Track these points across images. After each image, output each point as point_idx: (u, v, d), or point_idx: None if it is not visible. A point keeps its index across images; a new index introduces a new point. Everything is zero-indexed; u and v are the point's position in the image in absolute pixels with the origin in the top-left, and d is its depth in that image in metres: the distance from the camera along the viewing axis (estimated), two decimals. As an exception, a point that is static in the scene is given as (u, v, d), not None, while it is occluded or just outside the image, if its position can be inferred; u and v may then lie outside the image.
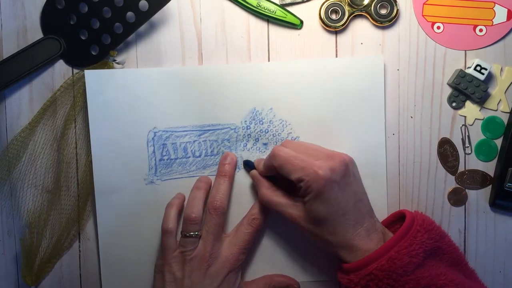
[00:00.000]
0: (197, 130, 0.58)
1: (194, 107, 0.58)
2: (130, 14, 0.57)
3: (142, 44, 0.59)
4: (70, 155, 0.59)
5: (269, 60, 0.59)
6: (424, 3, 0.58)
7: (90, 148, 0.58)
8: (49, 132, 0.59)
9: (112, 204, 0.58)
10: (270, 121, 0.58)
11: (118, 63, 0.58)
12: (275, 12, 0.58)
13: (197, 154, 0.58)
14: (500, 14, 0.58)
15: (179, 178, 0.59)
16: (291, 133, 0.58)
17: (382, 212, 0.58)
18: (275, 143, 0.58)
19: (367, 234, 0.51)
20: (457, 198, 0.60)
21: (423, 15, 0.59)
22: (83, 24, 0.57)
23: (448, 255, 0.52)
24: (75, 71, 0.59)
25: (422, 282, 0.49)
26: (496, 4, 0.58)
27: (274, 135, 0.58)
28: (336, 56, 0.59)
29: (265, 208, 0.56)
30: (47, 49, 0.58)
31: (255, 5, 0.58)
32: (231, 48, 0.59)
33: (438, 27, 0.59)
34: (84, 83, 0.57)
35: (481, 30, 0.59)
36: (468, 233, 0.60)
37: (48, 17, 0.58)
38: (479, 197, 0.60)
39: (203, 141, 0.58)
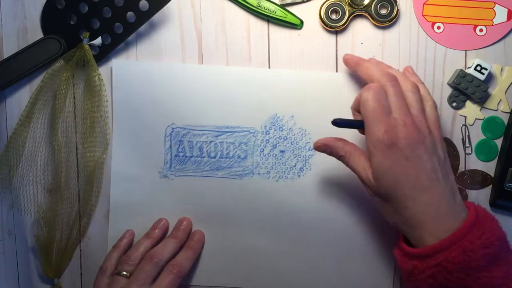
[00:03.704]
0: (215, 131, 0.58)
1: (214, 107, 0.58)
2: (130, 14, 0.57)
3: (142, 44, 0.59)
4: (69, 148, 0.59)
5: (269, 60, 0.59)
6: (424, 3, 0.58)
7: (89, 139, 0.58)
8: (42, 127, 0.59)
9: (126, 192, 0.58)
10: (290, 128, 0.58)
11: (93, 44, 0.57)
12: (275, 12, 0.58)
13: (212, 154, 0.58)
14: (500, 14, 0.58)
15: (192, 176, 0.59)
16: (309, 142, 0.58)
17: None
18: (292, 151, 0.58)
19: (442, 218, 0.47)
20: (457, 198, 0.60)
21: (423, 15, 0.59)
22: (83, 24, 0.57)
23: (510, 247, 0.48)
24: (78, 72, 0.58)
25: (495, 282, 0.45)
26: (496, 4, 0.58)
27: (293, 143, 0.58)
28: (337, 57, 0.59)
29: (191, 257, 0.57)
30: (47, 49, 0.58)
31: (255, 5, 0.58)
32: (231, 48, 0.59)
33: (438, 27, 0.59)
34: (68, 77, 0.57)
35: (481, 30, 0.59)
36: (468, 233, 0.60)
37: (48, 17, 0.58)
38: (479, 197, 0.60)
39: (219, 142, 0.58)
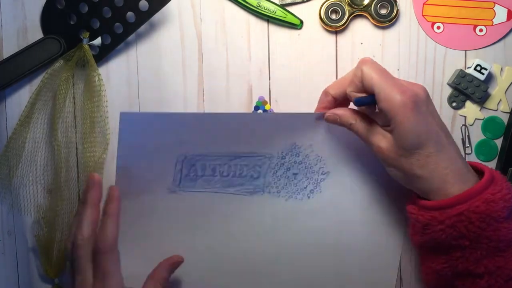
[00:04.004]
0: (230, 156, 0.57)
1: (231, 141, 0.56)
2: (130, 14, 0.57)
3: (142, 44, 0.59)
4: (69, 148, 0.59)
5: (269, 60, 0.59)
6: (424, 3, 0.59)
7: (89, 139, 0.58)
8: (42, 128, 0.59)
9: (131, 207, 0.56)
10: (307, 155, 0.58)
11: (93, 44, 0.57)
12: (275, 12, 0.58)
13: (225, 174, 0.58)
14: (500, 14, 0.58)
15: (202, 191, 0.58)
16: (323, 167, 0.58)
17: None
18: (305, 174, 0.58)
19: (464, 170, 0.49)
20: (457, 198, 0.60)
21: (423, 15, 0.59)
22: (83, 24, 0.57)
23: None
24: (77, 72, 0.59)
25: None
26: (496, 4, 0.58)
27: (307, 167, 0.58)
28: (337, 57, 0.59)
29: (170, 269, 0.56)
30: (47, 49, 0.58)
31: (255, 5, 0.58)
32: (231, 48, 0.59)
33: (438, 27, 0.59)
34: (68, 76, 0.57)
35: (481, 30, 0.59)
36: (468, 233, 0.60)
37: (48, 17, 0.58)
38: (479, 197, 0.60)
39: (233, 164, 0.58)
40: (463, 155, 0.59)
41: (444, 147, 0.49)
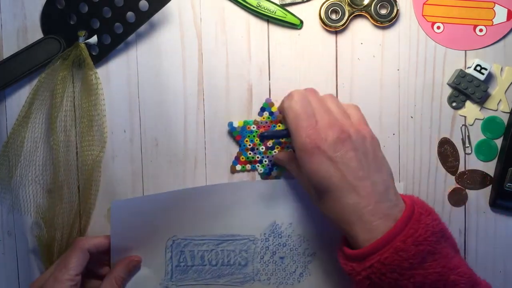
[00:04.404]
0: (216, 239, 0.59)
1: (214, 220, 0.58)
2: (130, 14, 0.57)
3: (142, 44, 0.59)
4: (68, 147, 0.59)
5: (269, 60, 0.59)
6: (424, 3, 0.59)
7: (86, 138, 0.58)
8: (40, 127, 0.59)
9: None
10: (289, 235, 0.59)
11: (89, 43, 0.57)
12: (275, 12, 0.58)
13: (213, 262, 0.59)
14: (500, 14, 0.58)
15: (193, 284, 0.59)
16: (308, 249, 0.59)
17: None
18: (291, 258, 0.59)
19: (372, 218, 0.46)
20: (457, 198, 0.60)
21: (423, 15, 0.59)
22: (83, 24, 0.57)
23: (450, 240, 0.48)
24: (74, 70, 0.59)
25: (430, 278, 0.44)
26: (496, 4, 0.58)
27: (292, 249, 0.59)
28: (336, 57, 0.59)
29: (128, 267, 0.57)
30: (47, 49, 0.58)
31: (255, 5, 0.58)
32: (231, 48, 0.59)
33: (438, 27, 0.59)
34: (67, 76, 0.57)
35: (481, 30, 0.59)
36: (468, 233, 0.60)
37: (48, 17, 0.58)
38: (479, 197, 0.60)
39: (220, 250, 0.59)
40: (464, 155, 0.59)
41: (351, 192, 0.47)
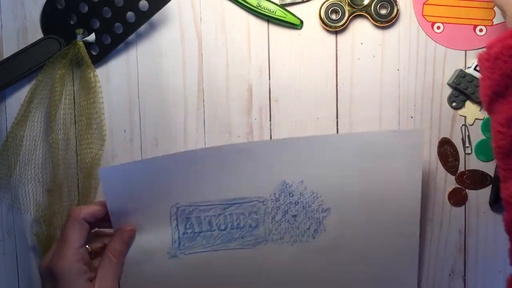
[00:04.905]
0: (223, 204, 0.56)
1: (219, 183, 0.55)
2: (130, 14, 0.57)
3: (142, 44, 0.59)
4: (67, 145, 0.59)
5: (269, 60, 0.59)
6: (424, 3, 0.59)
7: (85, 136, 0.58)
8: (39, 126, 0.59)
9: (134, 277, 0.56)
10: (301, 193, 0.56)
11: (87, 40, 0.57)
12: (275, 12, 0.58)
13: (222, 227, 0.56)
14: (500, 14, 0.58)
15: (203, 251, 0.57)
16: (321, 204, 0.56)
17: None
18: (305, 214, 0.57)
19: None
20: (457, 198, 0.60)
21: (423, 15, 0.59)
22: (83, 24, 0.57)
23: None
24: (73, 69, 0.59)
25: None
26: (496, 4, 0.58)
27: (304, 206, 0.57)
28: (337, 57, 0.59)
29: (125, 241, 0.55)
30: (47, 49, 0.58)
31: (255, 5, 0.58)
32: (231, 48, 0.59)
33: (438, 27, 0.59)
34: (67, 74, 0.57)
35: (481, 30, 0.59)
36: (468, 233, 0.60)
37: (48, 17, 0.58)
38: (479, 197, 0.60)
39: (228, 214, 0.56)
40: (464, 155, 0.60)
41: None
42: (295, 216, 0.57)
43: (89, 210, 0.54)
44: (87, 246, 0.55)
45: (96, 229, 0.57)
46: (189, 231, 0.56)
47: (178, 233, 0.56)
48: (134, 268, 0.56)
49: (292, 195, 0.56)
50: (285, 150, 0.55)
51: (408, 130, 0.58)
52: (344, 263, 0.58)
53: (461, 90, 0.58)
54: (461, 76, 0.58)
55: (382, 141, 0.55)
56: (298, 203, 0.57)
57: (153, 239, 0.56)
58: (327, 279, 0.58)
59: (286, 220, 0.57)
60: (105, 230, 0.57)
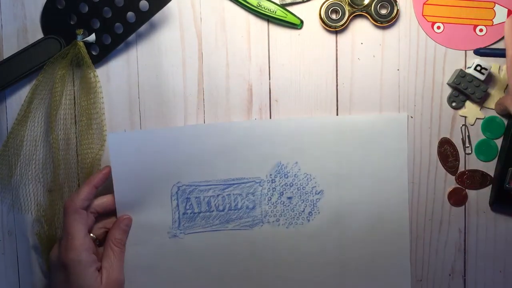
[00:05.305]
0: (221, 184, 0.58)
1: (218, 162, 0.58)
2: (130, 14, 0.57)
3: (142, 44, 0.59)
4: (68, 145, 0.59)
5: (269, 60, 0.59)
6: (424, 3, 0.58)
7: (85, 136, 0.58)
8: (40, 126, 0.59)
9: (135, 256, 0.57)
10: (295, 175, 0.58)
11: (87, 41, 0.57)
12: (275, 12, 0.58)
13: (220, 208, 0.58)
14: (500, 14, 0.58)
15: (202, 232, 0.58)
16: (315, 186, 0.58)
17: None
18: (299, 197, 0.58)
19: None
20: (457, 198, 0.60)
21: (423, 15, 0.59)
22: (83, 24, 0.57)
23: None
24: (73, 69, 0.59)
25: None
26: (496, 4, 0.58)
27: (299, 188, 0.58)
28: (337, 56, 0.59)
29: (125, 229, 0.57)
30: (47, 49, 0.58)
31: (255, 5, 0.58)
32: (231, 48, 0.59)
33: (438, 27, 0.59)
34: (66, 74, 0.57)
35: (481, 30, 0.59)
36: (468, 233, 0.60)
37: (48, 17, 0.58)
38: (479, 197, 0.60)
39: (227, 195, 0.58)
40: (464, 155, 0.60)
41: None
42: (290, 198, 0.58)
43: (81, 196, 0.54)
44: (91, 234, 0.56)
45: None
46: (189, 211, 0.58)
47: (178, 213, 0.58)
48: (135, 248, 0.57)
49: (287, 177, 0.58)
50: (281, 130, 0.58)
51: (393, 115, 0.59)
52: (339, 245, 0.59)
53: (461, 90, 0.58)
54: (461, 76, 0.58)
55: (369, 125, 0.58)
56: (292, 184, 0.58)
57: (154, 218, 0.58)
58: (322, 261, 0.59)
59: (282, 202, 0.58)
60: (96, 202, 0.57)
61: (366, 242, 0.59)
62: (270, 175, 0.58)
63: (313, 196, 0.59)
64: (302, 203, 0.59)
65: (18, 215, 0.60)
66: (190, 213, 0.58)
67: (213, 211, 0.58)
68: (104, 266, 0.55)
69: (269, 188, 0.58)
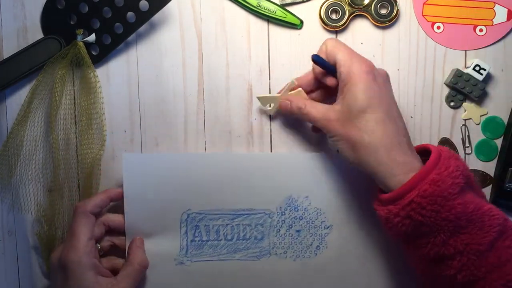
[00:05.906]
0: (231, 214, 0.58)
1: (229, 191, 0.58)
2: (130, 14, 0.57)
3: (142, 44, 0.59)
4: (68, 145, 0.59)
5: (269, 60, 0.59)
6: (424, 3, 0.59)
7: (86, 136, 0.58)
8: (40, 126, 0.59)
9: (141, 282, 0.57)
10: (305, 208, 0.58)
11: (87, 41, 0.57)
12: (275, 12, 0.58)
13: (229, 237, 0.58)
14: (500, 14, 0.58)
15: (209, 260, 0.58)
16: (324, 221, 0.58)
17: None
18: (308, 230, 0.58)
19: (407, 154, 0.48)
20: (457, 198, 0.60)
21: (423, 15, 0.59)
22: (83, 24, 0.57)
23: (476, 189, 0.50)
24: (74, 69, 0.59)
25: (469, 207, 0.46)
26: (496, 4, 0.58)
27: (308, 222, 0.58)
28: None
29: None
30: (47, 49, 0.58)
31: (255, 5, 0.58)
32: (231, 48, 0.59)
33: (438, 27, 0.59)
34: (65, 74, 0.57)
35: (481, 30, 0.59)
36: (468, 233, 0.60)
37: (48, 17, 0.58)
38: (479, 197, 0.60)
39: (236, 224, 0.58)
40: (464, 155, 0.60)
41: (394, 121, 0.50)
42: (298, 231, 0.58)
43: (94, 202, 0.55)
44: (97, 244, 0.56)
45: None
46: (197, 239, 0.58)
47: (187, 240, 0.58)
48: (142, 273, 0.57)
49: (297, 210, 0.58)
50: (292, 165, 0.58)
51: None
52: (344, 280, 0.59)
53: (459, 89, 0.58)
54: (458, 75, 0.58)
55: None
56: (302, 218, 0.58)
57: (162, 243, 0.57)
58: None
59: (290, 235, 0.58)
60: (110, 216, 0.57)
61: (372, 277, 0.59)
62: (281, 207, 0.58)
63: (322, 231, 0.58)
64: (310, 236, 0.58)
65: (18, 215, 0.60)
66: (198, 241, 0.58)
67: (221, 240, 0.58)
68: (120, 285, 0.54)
69: (278, 220, 0.58)
